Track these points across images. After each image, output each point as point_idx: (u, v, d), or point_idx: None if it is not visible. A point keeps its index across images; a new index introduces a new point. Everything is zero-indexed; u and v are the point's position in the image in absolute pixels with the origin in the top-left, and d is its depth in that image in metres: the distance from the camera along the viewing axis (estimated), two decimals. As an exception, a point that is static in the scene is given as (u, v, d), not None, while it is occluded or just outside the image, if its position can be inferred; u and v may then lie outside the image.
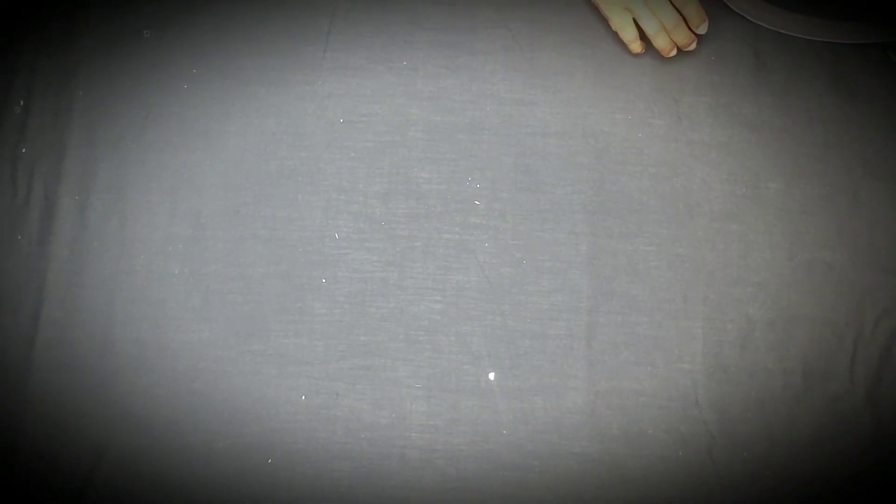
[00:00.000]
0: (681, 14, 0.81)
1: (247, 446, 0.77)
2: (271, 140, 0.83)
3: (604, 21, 0.85)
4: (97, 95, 0.84)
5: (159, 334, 0.80)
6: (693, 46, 0.82)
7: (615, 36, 0.84)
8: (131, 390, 0.78)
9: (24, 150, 0.83)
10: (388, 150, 0.83)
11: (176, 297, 0.80)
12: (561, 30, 0.85)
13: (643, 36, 0.82)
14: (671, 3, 0.81)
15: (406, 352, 0.79)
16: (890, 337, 0.79)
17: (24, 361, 0.79)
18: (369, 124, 0.83)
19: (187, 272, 0.81)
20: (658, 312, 0.80)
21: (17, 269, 0.81)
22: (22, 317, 0.80)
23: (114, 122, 0.83)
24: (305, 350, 0.79)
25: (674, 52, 0.82)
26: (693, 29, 0.82)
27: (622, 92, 0.83)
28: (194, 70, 0.84)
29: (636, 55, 0.83)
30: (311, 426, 0.78)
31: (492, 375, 0.79)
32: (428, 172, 0.82)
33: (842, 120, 0.82)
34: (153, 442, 0.77)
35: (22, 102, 0.84)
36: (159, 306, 0.80)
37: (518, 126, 0.83)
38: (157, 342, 0.79)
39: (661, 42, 0.82)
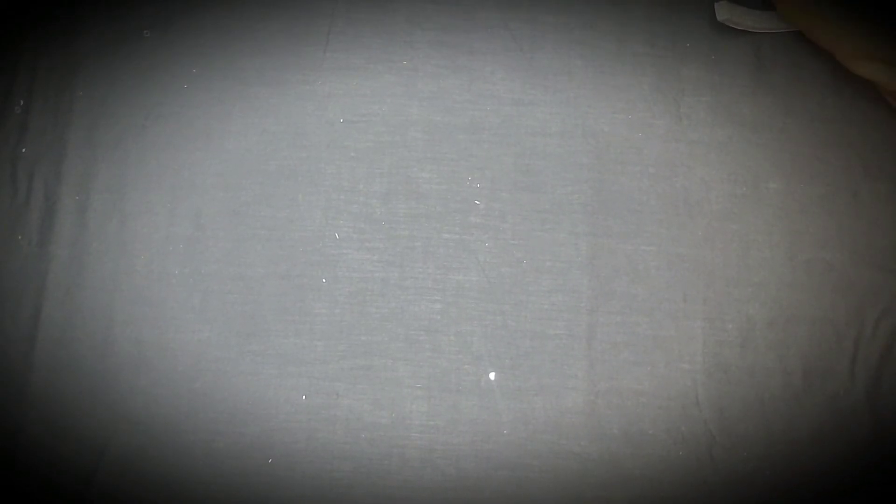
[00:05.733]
0: None
1: (247, 446, 0.78)
2: (271, 140, 0.83)
3: (603, 21, 0.85)
4: (97, 95, 0.84)
5: (159, 334, 0.80)
6: None
7: (615, 36, 0.84)
8: (131, 390, 0.78)
9: (24, 150, 0.83)
10: (388, 150, 0.83)
11: (176, 297, 0.80)
12: (561, 30, 0.85)
13: None
14: None
15: (406, 352, 0.79)
16: (890, 337, 0.79)
17: (25, 361, 0.79)
18: (369, 124, 0.83)
19: (187, 272, 0.81)
20: (658, 312, 0.80)
21: (17, 269, 0.81)
22: (22, 317, 0.80)
23: (114, 122, 0.83)
24: (305, 350, 0.79)
25: None
26: None
27: (622, 92, 0.83)
28: (194, 70, 0.84)
29: None
30: (311, 426, 0.78)
31: (492, 375, 0.79)
32: (428, 172, 0.82)
33: (842, 120, 0.82)
34: (153, 442, 0.77)
35: (22, 102, 0.84)
36: (159, 306, 0.80)
37: (518, 126, 0.83)
38: (157, 342, 0.79)
39: None
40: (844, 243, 0.81)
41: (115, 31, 0.85)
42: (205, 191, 0.82)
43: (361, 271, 0.81)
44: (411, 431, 0.78)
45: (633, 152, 0.82)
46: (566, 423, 0.78)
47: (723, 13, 0.82)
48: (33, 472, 0.77)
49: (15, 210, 0.82)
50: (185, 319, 0.80)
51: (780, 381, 0.78)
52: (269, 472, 0.77)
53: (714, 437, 0.77)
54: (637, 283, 0.80)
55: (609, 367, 0.79)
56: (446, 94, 0.84)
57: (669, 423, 0.78)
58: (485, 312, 0.80)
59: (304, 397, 0.79)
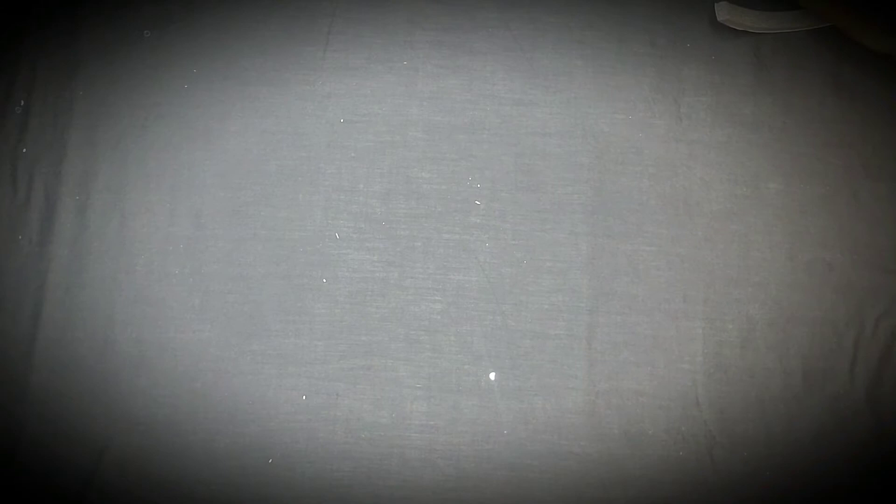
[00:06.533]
0: None
1: (247, 446, 0.78)
2: (271, 140, 0.83)
3: (603, 21, 0.85)
4: (97, 95, 0.84)
5: (159, 334, 0.80)
6: None
7: (615, 36, 0.84)
8: (131, 390, 0.78)
9: (24, 150, 0.83)
10: (388, 150, 0.83)
11: (176, 297, 0.80)
12: (561, 30, 0.85)
13: None
14: None
15: (406, 352, 0.79)
16: (890, 337, 0.79)
17: (25, 361, 0.79)
18: (369, 124, 0.83)
19: (187, 272, 0.81)
20: (658, 312, 0.80)
21: (17, 269, 0.81)
22: (22, 317, 0.80)
23: (114, 122, 0.83)
24: (305, 350, 0.79)
25: None
26: None
27: (622, 92, 0.83)
28: (194, 70, 0.84)
29: None
30: (311, 426, 0.78)
31: (492, 375, 0.79)
32: (428, 172, 0.82)
33: (842, 120, 0.82)
34: (153, 442, 0.77)
35: (22, 102, 0.84)
36: (159, 306, 0.80)
37: (518, 126, 0.83)
38: (157, 342, 0.79)
39: None
40: (844, 243, 0.81)
41: (115, 31, 0.85)
42: (205, 191, 0.82)
43: (361, 271, 0.81)
44: (411, 431, 0.78)
45: (633, 152, 0.82)
46: (566, 423, 0.78)
47: (723, 13, 0.82)
48: (33, 472, 0.77)
49: (15, 210, 0.82)
50: (185, 319, 0.80)
51: (780, 381, 0.78)
52: (269, 472, 0.77)
53: (714, 437, 0.77)
54: (637, 283, 0.80)
55: (609, 367, 0.79)
56: (446, 94, 0.84)
57: (669, 423, 0.78)
58: (485, 312, 0.80)
59: (304, 397, 0.78)
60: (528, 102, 0.83)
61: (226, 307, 0.80)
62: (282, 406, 0.78)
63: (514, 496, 0.77)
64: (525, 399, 0.78)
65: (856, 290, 0.80)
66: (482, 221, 0.82)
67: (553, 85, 0.84)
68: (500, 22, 0.85)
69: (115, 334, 0.79)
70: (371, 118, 0.83)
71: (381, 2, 0.85)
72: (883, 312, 0.79)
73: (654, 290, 0.80)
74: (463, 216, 0.82)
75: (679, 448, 0.77)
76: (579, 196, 0.82)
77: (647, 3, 0.85)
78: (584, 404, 0.78)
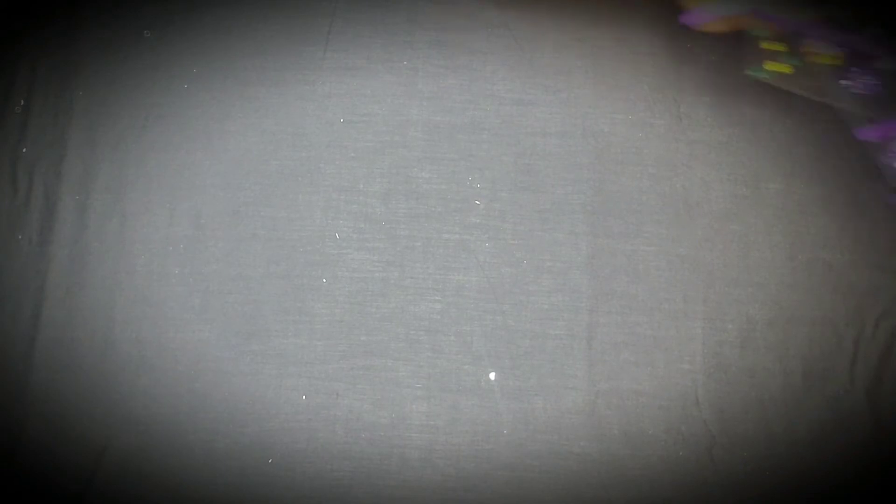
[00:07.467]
0: None
1: (247, 446, 0.78)
2: (271, 140, 0.83)
3: (603, 21, 0.84)
4: (97, 95, 0.84)
5: (159, 334, 0.80)
6: None
7: (615, 36, 0.84)
8: (131, 390, 0.78)
9: (24, 150, 0.83)
10: (388, 150, 0.83)
11: (176, 297, 0.80)
12: (561, 30, 0.85)
13: None
14: None
15: (406, 352, 0.79)
16: (890, 337, 0.79)
17: (25, 361, 0.79)
18: (369, 124, 0.83)
19: (187, 272, 0.81)
20: (658, 312, 0.80)
21: (17, 269, 0.81)
22: (22, 317, 0.80)
23: (114, 122, 0.83)
24: (305, 350, 0.79)
25: None
26: None
27: (622, 92, 0.83)
28: (194, 70, 0.84)
29: None
30: (311, 426, 0.78)
31: (492, 375, 0.79)
32: (428, 172, 0.82)
33: (842, 120, 0.82)
34: (153, 442, 0.77)
35: (22, 102, 0.84)
36: (159, 306, 0.80)
37: (518, 126, 0.83)
38: (157, 342, 0.79)
39: None
40: (844, 243, 0.81)
41: (115, 31, 0.85)
42: (205, 191, 0.82)
43: (361, 271, 0.81)
44: (411, 431, 0.78)
45: (633, 152, 0.82)
46: (566, 423, 0.78)
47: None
48: (33, 472, 0.77)
49: (15, 210, 0.82)
50: (185, 319, 0.80)
51: (780, 381, 0.78)
52: (269, 472, 0.77)
53: (714, 437, 0.77)
54: (637, 283, 0.80)
55: (609, 367, 0.79)
56: (446, 94, 0.84)
57: (669, 423, 0.78)
58: (485, 312, 0.80)
59: (304, 397, 0.79)
60: (528, 102, 0.83)
61: (226, 307, 0.80)
62: (282, 406, 0.78)
63: (514, 496, 0.77)
64: (525, 399, 0.78)
65: (856, 290, 0.80)
66: (482, 221, 0.82)
67: (553, 85, 0.84)
68: (500, 22, 0.85)
69: (115, 334, 0.79)
70: (371, 118, 0.83)
71: (381, 2, 0.85)
72: (883, 312, 0.79)
73: (654, 290, 0.80)
74: (463, 216, 0.82)
75: (679, 448, 0.77)
76: (579, 196, 0.82)
77: (648, 3, 0.85)
78: (584, 404, 0.78)
